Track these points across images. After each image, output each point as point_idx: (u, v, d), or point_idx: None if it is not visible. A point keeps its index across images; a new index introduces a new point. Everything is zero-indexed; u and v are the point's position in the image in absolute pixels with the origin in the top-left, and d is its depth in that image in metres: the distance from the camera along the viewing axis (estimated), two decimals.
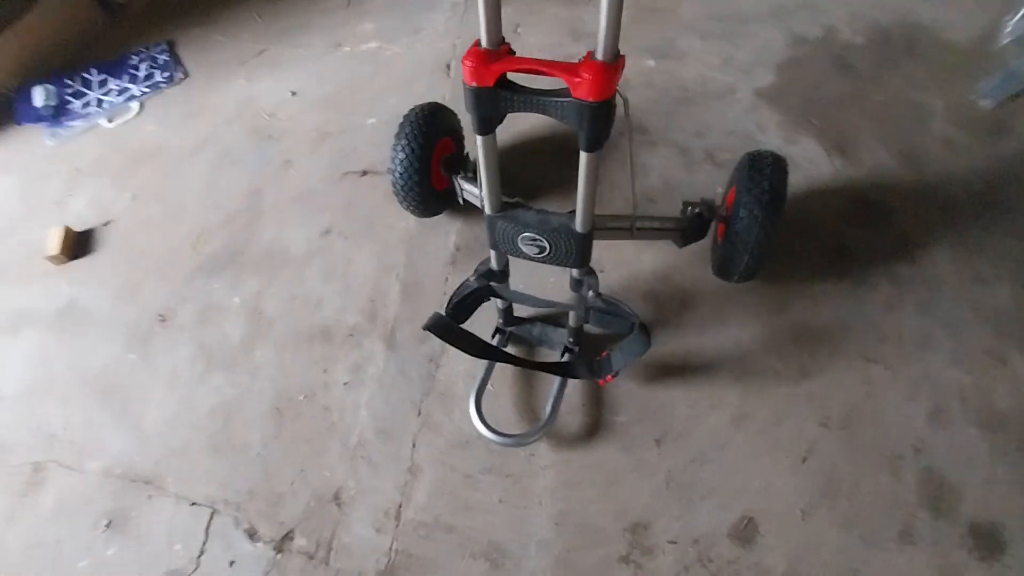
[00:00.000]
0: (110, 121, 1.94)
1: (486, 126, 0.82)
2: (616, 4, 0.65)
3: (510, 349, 1.34)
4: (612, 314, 1.12)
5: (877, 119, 1.67)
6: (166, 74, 2.02)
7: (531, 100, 0.76)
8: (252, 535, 1.19)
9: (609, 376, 1.13)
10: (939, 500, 1.13)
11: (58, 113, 1.95)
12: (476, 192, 1.32)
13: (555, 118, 0.77)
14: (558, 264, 1.00)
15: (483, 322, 1.29)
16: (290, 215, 1.64)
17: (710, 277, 1.38)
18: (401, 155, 1.32)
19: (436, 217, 1.55)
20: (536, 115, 0.79)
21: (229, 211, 1.67)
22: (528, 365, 1.19)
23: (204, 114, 1.92)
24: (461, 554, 1.14)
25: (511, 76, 0.78)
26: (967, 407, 1.21)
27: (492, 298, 1.19)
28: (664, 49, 1.89)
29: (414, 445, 1.26)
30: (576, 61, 0.72)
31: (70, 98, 1.98)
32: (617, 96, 0.75)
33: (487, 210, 0.96)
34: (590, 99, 0.71)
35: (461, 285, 1.14)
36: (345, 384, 1.34)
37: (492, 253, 1.08)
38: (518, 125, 1.70)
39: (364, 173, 1.69)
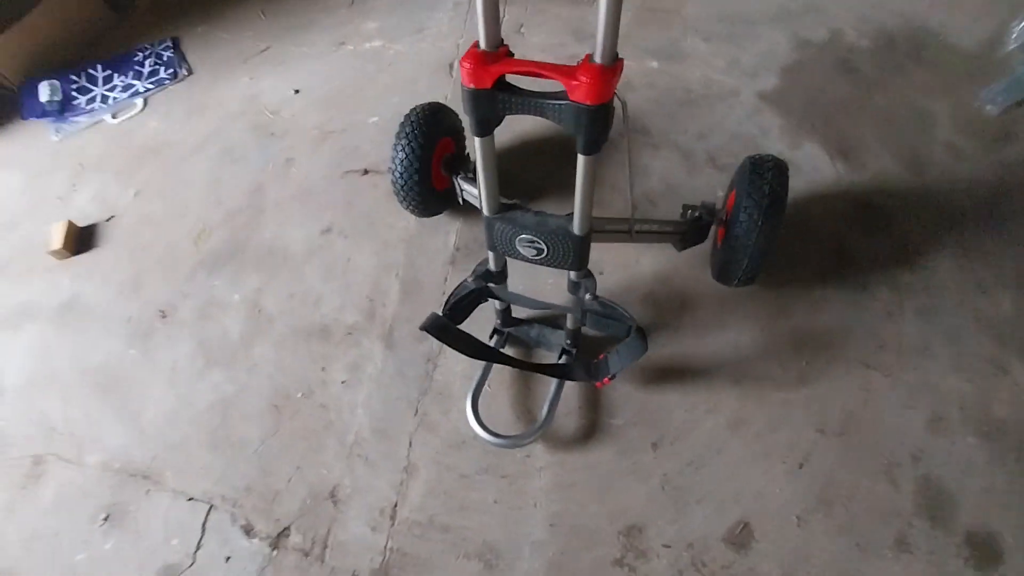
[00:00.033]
0: (114, 117, 1.95)
1: (484, 128, 0.82)
2: (615, 7, 0.65)
3: (508, 350, 1.34)
4: (609, 317, 1.12)
5: (881, 124, 1.66)
6: (170, 71, 2.03)
7: (529, 102, 0.76)
8: (248, 531, 1.20)
9: (606, 379, 1.13)
10: (936, 508, 1.12)
11: (63, 109, 1.96)
12: (476, 193, 1.32)
13: (553, 121, 0.77)
14: (556, 266, 1.00)
15: (481, 323, 1.29)
16: (291, 213, 1.64)
17: (710, 281, 1.38)
18: (401, 155, 1.32)
19: (436, 217, 1.55)
20: (537, 116, 0.79)
21: (231, 208, 1.67)
22: (525, 367, 1.19)
23: (207, 111, 1.93)
24: (455, 554, 1.15)
25: (510, 78, 0.78)
26: (966, 415, 1.21)
27: (490, 299, 1.19)
28: (668, 50, 1.89)
29: (410, 444, 1.26)
30: (575, 63, 0.72)
31: (75, 94, 2.00)
32: (616, 99, 0.75)
33: (485, 211, 0.96)
34: (587, 102, 0.71)
35: (459, 286, 1.14)
36: (343, 382, 1.35)
37: (490, 254, 1.08)
38: (520, 125, 1.70)
39: (365, 172, 1.70)
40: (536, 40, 1.97)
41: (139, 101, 1.97)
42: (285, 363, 1.39)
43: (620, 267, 1.45)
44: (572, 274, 1.05)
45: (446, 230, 1.55)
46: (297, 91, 1.93)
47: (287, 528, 1.20)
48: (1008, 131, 1.61)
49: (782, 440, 1.21)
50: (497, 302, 1.23)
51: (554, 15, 2.04)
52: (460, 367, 1.33)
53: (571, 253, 0.96)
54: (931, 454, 1.17)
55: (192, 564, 1.18)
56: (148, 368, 1.42)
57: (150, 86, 2.00)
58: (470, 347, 1.12)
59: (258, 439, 1.30)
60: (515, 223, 0.95)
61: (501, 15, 2.07)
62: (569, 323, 1.22)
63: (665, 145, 1.66)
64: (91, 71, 2.05)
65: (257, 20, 2.19)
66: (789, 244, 1.41)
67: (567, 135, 0.77)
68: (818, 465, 1.18)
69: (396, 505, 1.20)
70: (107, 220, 1.71)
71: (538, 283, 1.42)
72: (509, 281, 1.19)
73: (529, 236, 0.95)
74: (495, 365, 1.25)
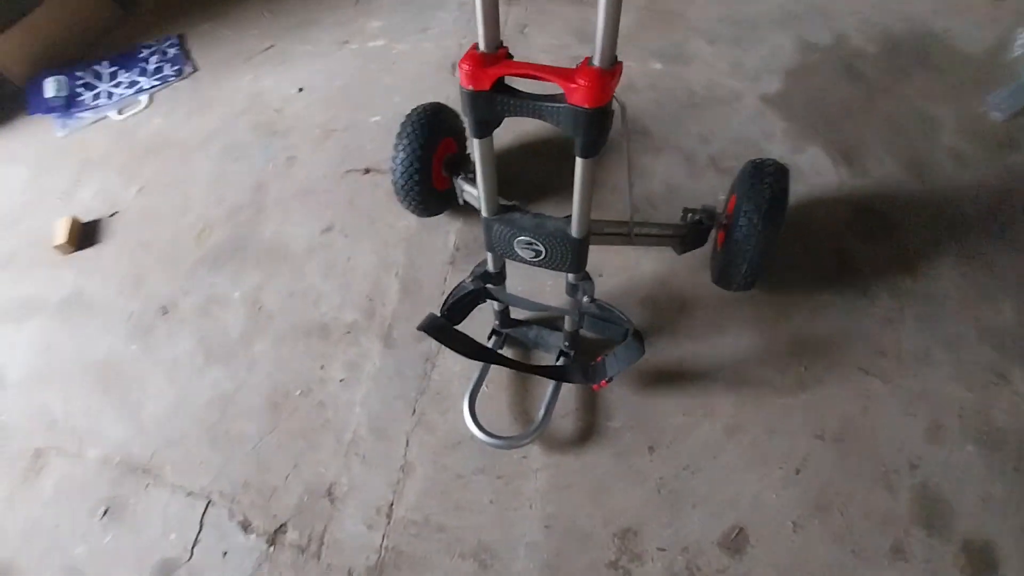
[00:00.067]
0: (119, 113, 1.96)
1: (482, 129, 0.83)
2: (614, 10, 0.65)
3: (506, 351, 1.34)
4: (607, 320, 1.12)
5: (885, 129, 1.65)
6: (175, 68, 2.04)
7: (528, 105, 0.76)
8: (246, 527, 1.21)
9: (603, 381, 1.13)
10: (933, 517, 1.12)
11: (69, 104, 1.98)
12: (476, 193, 1.33)
13: (551, 123, 0.77)
14: (554, 268, 1.00)
15: (480, 323, 1.29)
16: (293, 211, 1.65)
17: (709, 284, 1.38)
18: (402, 155, 1.32)
19: (437, 217, 1.56)
20: (535, 118, 0.79)
21: (233, 205, 1.68)
22: (522, 368, 1.19)
23: (211, 108, 1.93)
24: (450, 553, 1.15)
25: (509, 80, 0.78)
26: (965, 424, 1.20)
27: (488, 300, 1.19)
28: (672, 52, 1.88)
29: (408, 443, 1.27)
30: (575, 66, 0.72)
31: (81, 90, 2.01)
32: (615, 102, 0.75)
33: (484, 212, 0.97)
34: (585, 105, 0.71)
35: (457, 286, 1.14)
36: (341, 381, 1.35)
37: (489, 255, 1.08)
38: (521, 127, 1.70)
39: (367, 171, 1.70)
40: (539, 41, 1.97)
41: (144, 98, 1.98)
42: (284, 361, 1.39)
43: (620, 269, 1.44)
44: (570, 276, 1.05)
45: (446, 230, 1.55)
46: (300, 89, 1.94)
47: (284, 525, 1.20)
48: (1013, 137, 1.60)
49: (779, 446, 1.21)
50: (495, 303, 1.23)
51: (558, 16, 2.04)
52: (458, 367, 1.34)
53: (569, 256, 0.96)
54: (929, 462, 1.17)
55: (190, 559, 1.18)
56: (149, 363, 1.43)
57: (155, 83, 2.01)
58: (468, 348, 1.12)
59: (256, 436, 1.30)
60: (513, 225, 0.95)
61: (504, 15, 2.08)
62: (567, 325, 1.22)
63: (667, 147, 1.66)
64: (97, 67, 2.06)
65: (262, 18, 2.20)
66: (790, 248, 1.41)
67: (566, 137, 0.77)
68: (815, 471, 1.17)
69: (392, 504, 1.20)
70: (110, 216, 1.72)
71: (537, 285, 1.42)
72: (508, 282, 1.19)
73: (527, 238, 0.95)
74: (493, 366, 1.25)
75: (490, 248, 1.03)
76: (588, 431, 1.25)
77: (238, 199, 1.69)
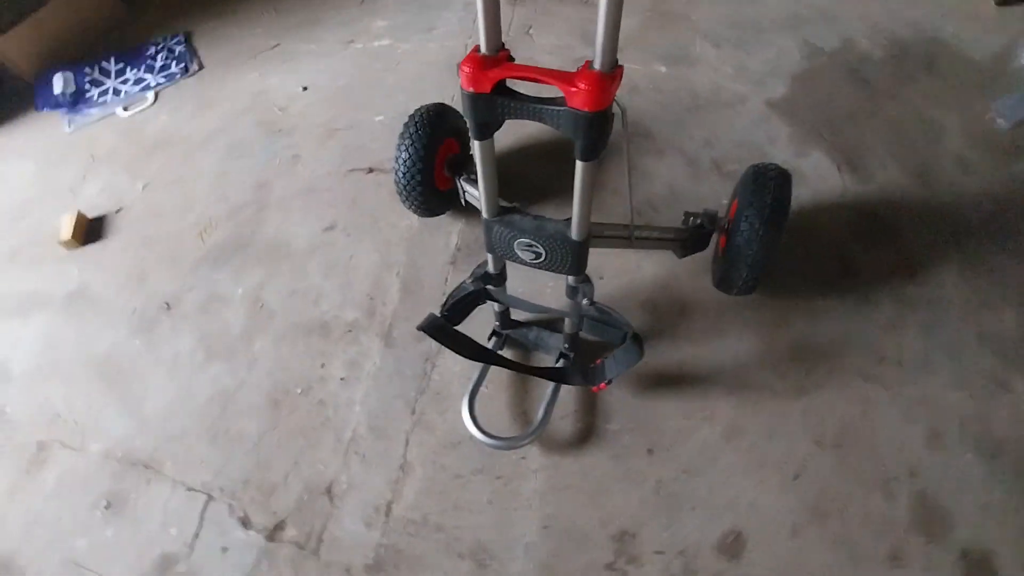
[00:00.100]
0: (126, 110, 1.98)
1: (483, 131, 0.83)
2: (615, 15, 0.65)
3: (506, 352, 1.34)
4: (606, 323, 1.12)
5: (890, 135, 1.65)
6: (181, 65, 2.06)
7: (528, 108, 0.77)
8: (245, 523, 1.22)
9: (602, 384, 1.13)
10: (932, 524, 1.12)
11: (76, 100, 1.99)
12: (477, 194, 1.33)
13: (552, 126, 0.77)
14: (553, 271, 1.00)
15: (481, 324, 1.30)
16: (295, 209, 1.66)
17: (710, 288, 1.38)
18: (404, 155, 1.33)
19: (439, 217, 1.56)
20: (536, 121, 0.79)
21: (236, 203, 1.69)
22: (522, 369, 1.19)
23: (217, 106, 1.95)
24: (448, 553, 1.15)
25: (510, 82, 0.78)
26: (965, 432, 1.20)
27: (488, 301, 1.19)
28: (676, 55, 1.88)
29: (407, 443, 1.27)
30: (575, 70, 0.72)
31: (88, 86, 2.03)
32: (615, 105, 0.75)
33: (484, 214, 0.97)
34: (585, 109, 0.71)
35: (457, 287, 1.14)
36: (342, 379, 1.36)
37: (489, 257, 1.09)
38: (525, 128, 1.70)
39: (370, 170, 1.71)
40: (544, 42, 1.97)
41: (150, 95, 2.00)
42: (285, 358, 1.40)
43: (621, 272, 1.45)
44: (570, 279, 1.05)
45: (448, 230, 1.56)
46: (305, 88, 1.95)
47: (283, 521, 1.21)
48: (1018, 145, 1.59)
49: (778, 450, 1.20)
50: (496, 304, 1.24)
51: (563, 17, 2.04)
52: (458, 367, 1.34)
53: (569, 258, 0.96)
54: (928, 469, 1.16)
55: (190, 554, 1.19)
56: (151, 359, 1.44)
57: (161, 80, 2.03)
58: (467, 348, 1.12)
59: (257, 433, 1.31)
60: (514, 226, 0.95)
61: (509, 16, 2.08)
62: (567, 327, 1.22)
63: (670, 151, 1.65)
64: (104, 64, 2.08)
65: (268, 16, 2.21)
66: (792, 253, 1.40)
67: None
68: (813, 476, 1.17)
69: (391, 502, 1.21)
70: (116, 212, 1.73)
71: (538, 286, 1.42)
72: (509, 283, 1.19)
73: (527, 240, 0.95)
74: (493, 367, 1.25)
75: (490, 249, 1.03)
76: (587, 433, 1.26)
77: (242, 197, 1.70)
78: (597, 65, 0.70)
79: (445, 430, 1.28)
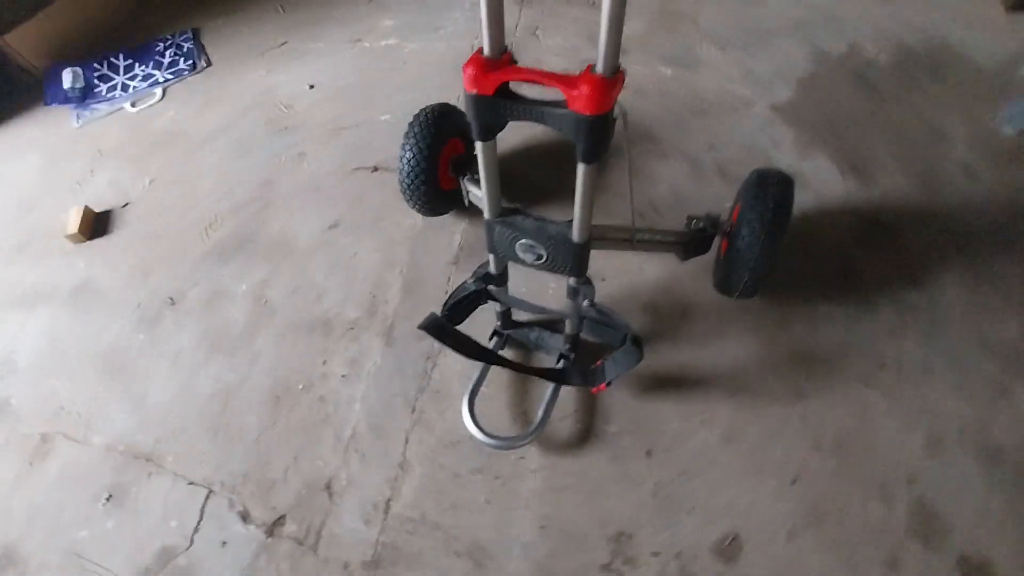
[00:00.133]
0: (133, 105, 1.99)
1: (486, 133, 0.83)
2: (617, 20, 0.65)
3: (507, 352, 1.35)
4: (606, 325, 1.12)
5: (895, 140, 1.64)
6: (189, 62, 2.07)
7: (530, 110, 0.77)
8: (245, 518, 1.22)
9: (602, 385, 1.13)
10: (929, 531, 1.11)
11: (84, 95, 2.01)
12: (481, 194, 1.33)
13: (553, 129, 0.77)
14: (555, 272, 1.01)
15: (482, 323, 1.30)
16: (300, 206, 1.67)
17: (711, 291, 1.38)
18: (408, 154, 1.34)
19: (442, 216, 1.57)
20: (538, 123, 0.79)
21: (242, 199, 1.70)
22: (521, 370, 1.20)
23: (224, 103, 1.96)
24: (445, 551, 1.16)
25: (513, 85, 0.78)
26: (965, 439, 1.19)
27: (489, 301, 1.20)
28: (682, 58, 1.88)
29: (406, 441, 1.28)
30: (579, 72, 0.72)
31: (97, 81, 2.04)
32: (617, 109, 0.76)
33: (486, 214, 0.98)
34: (587, 112, 0.71)
35: (459, 287, 1.15)
36: (343, 377, 1.37)
37: (491, 257, 1.09)
38: (529, 129, 1.71)
39: (375, 169, 1.72)
40: (551, 43, 1.97)
41: (158, 91, 2.01)
42: (287, 355, 1.41)
43: (623, 274, 1.45)
44: (571, 280, 1.06)
45: (451, 230, 1.56)
46: (312, 86, 1.96)
47: (283, 517, 1.22)
48: None
49: (776, 454, 1.21)
50: (497, 304, 1.24)
51: (571, 18, 2.04)
52: (459, 367, 1.35)
53: (570, 260, 0.97)
54: (927, 476, 1.16)
55: (189, 547, 1.20)
56: (154, 353, 1.45)
57: (169, 76, 2.04)
58: (467, 348, 1.13)
59: (257, 428, 1.32)
60: (515, 227, 0.96)
61: (516, 17, 2.09)
62: (568, 328, 1.22)
63: (674, 154, 1.66)
64: (113, 60, 2.09)
65: (276, 14, 2.22)
66: (794, 258, 1.40)
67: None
68: (811, 481, 1.17)
69: (390, 500, 1.22)
70: (122, 207, 1.75)
71: (540, 287, 1.43)
72: (512, 284, 1.20)
73: (529, 241, 0.96)
74: (493, 367, 1.26)
75: (492, 250, 1.04)
76: (586, 434, 1.26)
77: (247, 193, 1.71)
78: (599, 69, 0.70)
79: (444, 429, 1.28)
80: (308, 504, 1.23)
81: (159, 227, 1.68)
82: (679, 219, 1.33)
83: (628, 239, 1.17)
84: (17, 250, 1.70)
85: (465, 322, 1.18)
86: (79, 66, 2.05)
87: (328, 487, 1.24)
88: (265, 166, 1.77)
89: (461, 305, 1.15)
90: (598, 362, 1.14)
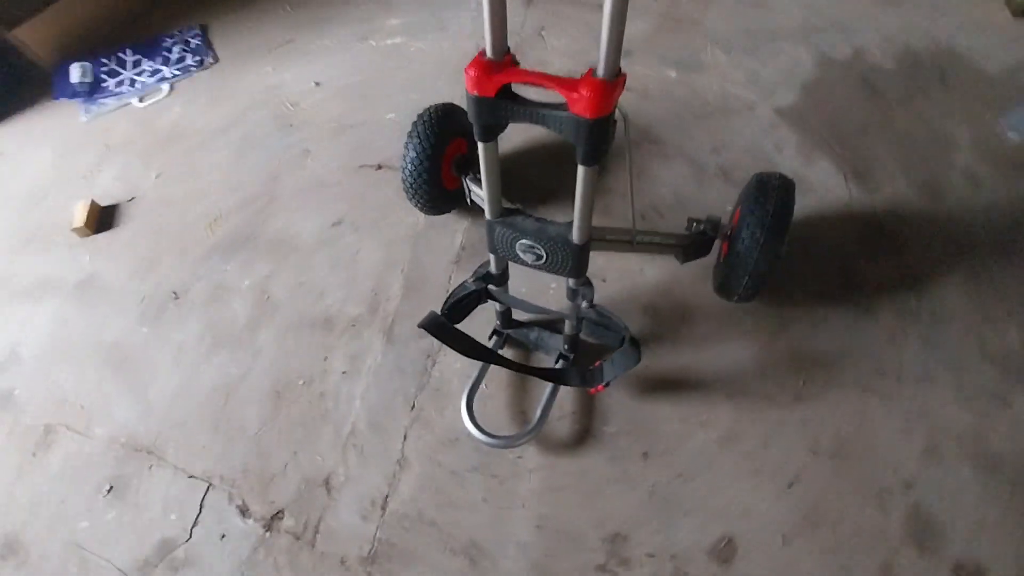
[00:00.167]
0: (141, 101, 2.00)
1: (487, 134, 0.84)
2: (618, 24, 0.66)
3: (506, 351, 1.36)
4: (604, 326, 1.12)
5: (899, 146, 1.64)
6: (197, 58, 2.08)
7: (531, 112, 0.78)
8: (244, 512, 1.24)
9: (600, 386, 1.14)
10: (925, 538, 1.12)
11: (92, 90, 2.02)
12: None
13: (554, 131, 0.78)
14: (554, 273, 1.01)
15: (482, 322, 1.31)
16: (304, 203, 1.68)
17: (712, 294, 1.38)
18: (412, 153, 1.34)
19: (445, 216, 1.57)
20: (539, 125, 0.80)
21: (247, 195, 1.71)
22: (520, 369, 1.20)
23: (230, 99, 1.97)
24: (442, 549, 1.17)
25: (515, 87, 0.79)
26: (963, 446, 1.19)
27: (489, 300, 1.21)
28: (687, 61, 1.88)
29: (405, 438, 1.29)
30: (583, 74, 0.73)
31: (105, 76, 2.06)
32: (617, 112, 0.76)
33: (487, 214, 0.98)
34: (587, 116, 0.72)
35: (459, 286, 1.15)
36: (343, 373, 1.37)
37: (491, 257, 1.10)
38: (532, 130, 1.71)
39: (379, 167, 1.72)
40: (556, 44, 1.97)
41: (165, 86, 2.03)
42: (288, 350, 1.42)
43: (623, 275, 1.45)
44: (570, 281, 1.06)
45: (454, 229, 1.57)
46: (318, 83, 1.97)
47: (281, 511, 1.23)
48: None
49: (773, 458, 1.21)
50: (497, 304, 1.25)
51: (577, 20, 2.04)
52: (459, 365, 1.36)
53: (570, 261, 0.97)
54: (924, 483, 1.16)
55: (188, 540, 1.22)
56: (157, 347, 1.47)
57: (177, 72, 2.05)
58: (467, 347, 1.13)
59: (258, 423, 1.33)
60: (515, 228, 0.96)
61: (523, 17, 2.09)
62: (567, 329, 1.23)
63: (678, 156, 1.66)
64: (121, 55, 2.11)
65: (283, 12, 2.23)
66: (795, 262, 1.40)
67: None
68: (808, 486, 1.18)
69: (387, 497, 1.23)
70: (128, 201, 1.76)
71: (540, 287, 1.43)
72: (512, 283, 1.20)
73: (529, 242, 0.96)
74: (493, 366, 1.26)
75: (492, 250, 1.04)
76: (584, 434, 1.26)
77: (252, 190, 1.72)
78: (600, 72, 0.71)
79: (443, 427, 1.29)
80: (306, 499, 1.24)
81: (164, 222, 1.70)
82: (680, 221, 1.33)
83: (628, 241, 1.17)
84: (24, 243, 1.72)
85: (465, 321, 1.19)
86: (88, 61, 2.06)
87: (327, 483, 1.25)
88: (270, 163, 1.78)
89: (461, 304, 1.15)
90: (597, 363, 1.15)
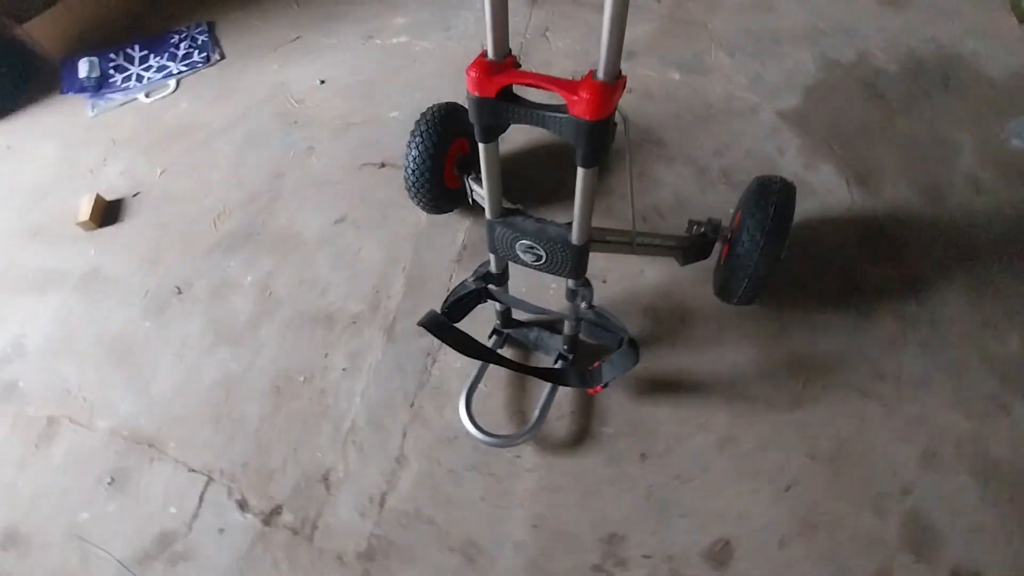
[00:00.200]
0: (147, 96, 2.02)
1: (488, 135, 0.85)
2: (619, 27, 0.66)
3: (506, 351, 1.36)
4: (603, 327, 1.13)
5: (902, 151, 1.64)
6: (203, 55, 2.10)
7: (532, 114, 0.78)
8: (243, 506, 1.24)
9: (599, 387, 1.14)
10: (922, 544, 1.11)
11: (100, 85, 2.04)
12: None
13: (554, 132, 0.78)
14: (554, 273, 1.02)
15: (482, 322, 1.32)
16: (307, 200, 1.69)
17: (711, 297, 1.38)
18: (414, 152, 1.35)
19: (447, 215, 1.58)
20: (539, 127, 0.80)
21: (251, 191, 1.73)
22: (519, 369, 1.21)
23: (236, 96, 1.98)
24: (438, 546, 1.17)
25: (516, 88, 0.79)
26: (961, 453, 1.19)
27: (489, 300, 1.21)
28: (691, 63, 1.88)
29: (404, 436, 1.29)
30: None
31: (112, 72, 2.07)
32: (617, 114, 0.76)
33: (487, 214, 0.99)
34: (587, 118, 0.72)
35: (459, 285, 1.16)
36: (344, 370, 1.38)
37: (491, 257, 1.10)
38: (534, 131, 1.69)
39: (382, 165, 1.73)
40: (560, 45, 1.98)
41: (172, 82, 2.04)
42: (289, 347, 1.43)
43: (624, 277, 1.45)
44: (570, 282, 1.07)
45: (455, 228, 1.57)
46: (323, 81, 1.98)
47: (280, 506, 1.24)
48: None
49: (771, 462, 1.21)
50: (497, 303, 1.25)
51: (581, 20, 2.04)
52: (458, 364, 1.36)
53: (569, 262, 0.97)
54: (921, 488, 1.16)
55: (188, 533, 1.23)
56: (160, 341, 1.48)
57: (183, 68, 2.07)
58: (466, 346, 1.14)
59: (258, 418, 1.34)
60: (515, 228, 0.97)
61: (527, 18, 2.09)
62: (566, 329, 1.23)
63: (680, 158, 1.66)
64: (128, 50, 2.12)
65: (290, 9, 2.24)
66: (795, 266, 1.40)
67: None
68: (805, 490, 1.18)
69: (385, 494, 1.23)
70: (133, 195, 1.77)
71: (540, 287, 1.44)
72: (513, 283, 1.21)
73: (528, 242, 0.97)
74: (492, 365, 1.27)
75: (492, 250, 1.05)
76: (582, 435, 1.27)
77: (256, 186, 1.74)
78: (600, 75, 0.71)
79: (442, 425, 1.30)
80: (305, 494, 1.24)
81: (169, 217, 1.71)
82: (681, 223, 1.34)
83: (628, 242, 1.18)
84: (30, 236, 1.73)
85: (465, 320, 1.19)
86: (95, 56, 2.08)
87: (325, 479, 1.26)
88: (275, 160, 1.79)
89: (461, 303, 1.16)
90: (596, 364, 1.15)
